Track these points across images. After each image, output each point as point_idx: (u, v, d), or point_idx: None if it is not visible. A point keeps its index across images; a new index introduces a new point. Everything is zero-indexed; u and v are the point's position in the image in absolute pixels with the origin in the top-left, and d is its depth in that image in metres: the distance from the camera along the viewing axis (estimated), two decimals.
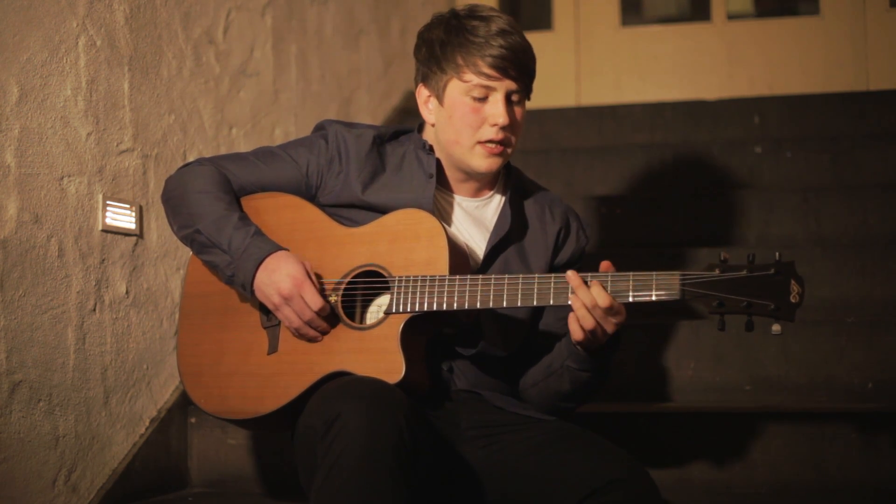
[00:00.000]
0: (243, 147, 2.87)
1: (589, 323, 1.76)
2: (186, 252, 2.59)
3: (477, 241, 2.02)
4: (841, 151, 3.48)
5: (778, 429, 2.33)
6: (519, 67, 1.93)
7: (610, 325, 1.77)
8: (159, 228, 2.50)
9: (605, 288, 1.74)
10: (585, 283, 1.74)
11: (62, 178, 2.21)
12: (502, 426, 1.95)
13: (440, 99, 1.99)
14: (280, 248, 1.92)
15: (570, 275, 1.75)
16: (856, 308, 2.88)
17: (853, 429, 2.30)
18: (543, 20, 4.67)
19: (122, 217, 2.37)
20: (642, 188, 3.57)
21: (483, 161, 1.97)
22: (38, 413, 2.12)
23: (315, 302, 1.86)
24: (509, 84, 1.93)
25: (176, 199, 2.01)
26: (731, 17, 4.52)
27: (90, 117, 2.29)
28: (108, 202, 2.33)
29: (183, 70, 2.63)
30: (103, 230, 2.32)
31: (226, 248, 1.92)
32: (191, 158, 2.63)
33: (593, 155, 3.69)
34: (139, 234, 2.44)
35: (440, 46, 1.96)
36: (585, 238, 2.13)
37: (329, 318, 1.90)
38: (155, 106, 2.52)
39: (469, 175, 2.02)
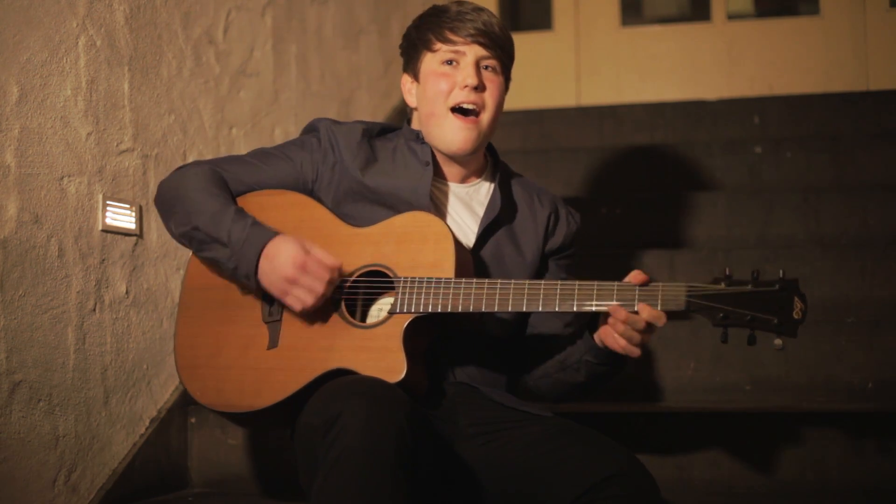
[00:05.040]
0: (243, 147, 2.87)
1: (636, 338, 1.80)
2: (186, 252, 2.59)
3: (469, 225, 2.05)
4: (841, 151, 3.49)
5: (778, 429, 2.33)
6: (488, 35, 2.01)
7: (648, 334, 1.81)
8: (159, 228, 2.50)
9: (654, 306, 1.76)
10: (633, 310, 1.76)
11: (62, 178, 2.21)
12: (501, 423, 1.95)
13: (417, 77, 2.07)
14: (278, 234, 1.91)
15: (614, 308, 1.77)
16: (856, 308, 2.89)
17: (853, 429, 2.30)
18: (543, 20, 4.67)
19: (122, 217, 2.37)
20: (642, 188, 3.57)
21: (458, 134, 2.01)
22: (38, 413, 2.12)
23: (321, 277, 1.84)
24: (478, 50, 2.01)
25: (171, 200, 2.01)
26: (731, 17, 4.52)
27: (90, 117, 2.29)
28: (108, 202, 2.33)
29: (183, 70, 2.63)
30: (103, 230, 2.32)
31: (226, 241, 1.92)
32: (191, 158, 2.63)
33: (593, 155, 3.69)
34: (139, 234, 2.44)
35: (415, 30, 2.08)
36: (575, 223, 2.16)
37: (331, 316, 1.90)
38: (155, 106, 2.52)
39: (450, 157, 2.06)
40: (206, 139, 2.72)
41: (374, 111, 3.90)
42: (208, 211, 1.95)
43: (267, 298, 1.95)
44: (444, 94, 2.01)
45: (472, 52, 2.00)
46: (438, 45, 2.02)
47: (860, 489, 2.26)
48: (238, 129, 2.88)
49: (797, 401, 2.64)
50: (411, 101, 2.10)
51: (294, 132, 3.16)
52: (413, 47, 2.07)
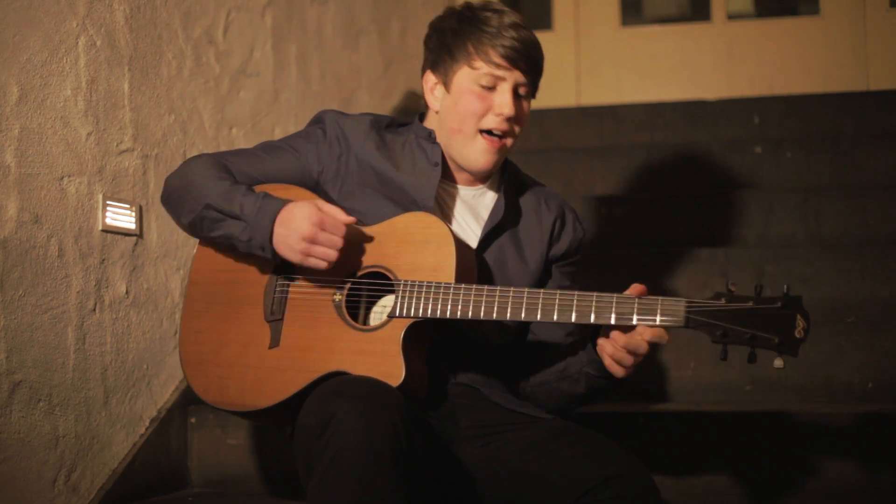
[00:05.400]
0: (243, 147, 2.87)
1: (627, 361, 1.79)
2: (186, 252, 2.60)
3: (473, 229, 2.04)
4: (841, 151, 3.49)
5: (778, 429, 2.33)
6: (528, 61, 1.97)
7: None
8: (159, 228, 2.50)
9: (652, 320, 1.74)
10: (632, 323, 1.75)
11: (62, 178, 2.21)
12: (501, 425, 1.95)
13: (447, 86, 2.02)
14: (290, 201, 1.90)
15: (616, 335, 1.77)
16: (856, 308, 2.88)
17: (853, 429, 2.30)
18: (543, 20, 4.67)
19: (122, 217, 2.37)
20: (642, 188, 3.57)
21: (481, 156, 1.99)
22: (38, 413, 2.12)
23: (338, 231, 1.85)
24: (518, 76, 1.97)
25: (179, 190, 2.01)
26: (731, 17, 4.52)
27: (90, 117, 2.29)
28: (108, 202, 2.33)
29: (183, 70, 2.63)
30: (103, 230, 2.32)
31: (238, 214, 1.91)
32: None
33: (593, 155, 3.69)
34: (139, 234, 2.44)
35: (452, 35, 2.00)
36: (582, 230, 2.14)
37: (332, 317, 1.90)
38: (155, 106, 2.52)
39: (464, 168, 2.04)
40: (206, 139, 2.72)
41: (373, 111, 3.88)
42: (219, 190, 1.94)
43: (269, 297, 1.96)
44: (476, 116, 1.97)
45: (512, 78, 1.96)
46: (479, 64, 1.96)
47: (860, 489, 2.26)
48: (238, 129, 2.88)
49: (797, 401, 2.64)
50: (434, 104, 2.05)
51: (294, 132, 3.16)
52: (448, 52, 2.00)
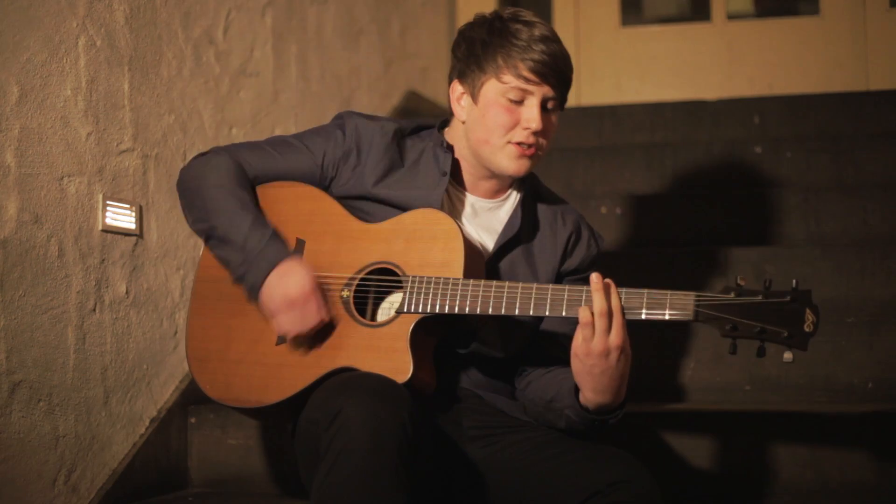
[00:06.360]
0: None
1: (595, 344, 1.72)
2: (186, 252, 2.60)
3: (486, 241, 2.03)
4: (841, 151, 3.48)
5: (778, 429, 2.33)
6: (558, 75, 1.95)
7: (612, 359, 1.73)
8: (159, 228, 2.50)
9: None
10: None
11: (62, 178, 2.21)
12: (505, 427, 1.95)
13: (475, 97, 1.99)
14: (294, 255, 1.91)
15: (594, 276, 1.72)
16: (856, 308, 2.88)
17: (853, 429, 2.30)
18: (543, 20, 4.65)
19: (122, 217, 2.37)
20: (642, 188, 3.57)
21: (512, 162, 1.97)
22: (38, 413, 2.12)
23: (314, 317, 1.86)
24: (546, 90, 1.95)
25: (192, 192, 2.01)
26: (731, 17, 4.52)
27: (90, 117, 2.29)
28: (108, 202, 2.33)
29: (183, 70, 2.63)
30: (103, 230, 2.32)
31: (240, 247, 1.91)
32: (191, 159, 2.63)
33: (593, 155, 3.69)
34: (139, 234, 2.44)
35: (481, 46, 1.97)
36: (597, 247, 2.13)
37: (340, 313, 1.90)
38: (155, 106, 2.52)
39: (494, 175, 2.02)
40: (206, 139, 2.72)
41: (373, 111, 3.89)
42: (227, 212, 1.94)
43: None
44: (504, 128, 1.95)
45: (540, 92, 1.94)
46: (508, 78, 1.93)
47: (860, 489, 2.26)
48: (238, 129, 2.88)
49: (797, 401, 2.64)
50: (461, 114, 2.02)
51: (294, 132, 3.16)
52: (476, 63, 1.97)
